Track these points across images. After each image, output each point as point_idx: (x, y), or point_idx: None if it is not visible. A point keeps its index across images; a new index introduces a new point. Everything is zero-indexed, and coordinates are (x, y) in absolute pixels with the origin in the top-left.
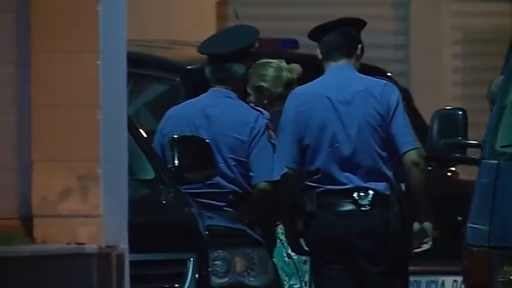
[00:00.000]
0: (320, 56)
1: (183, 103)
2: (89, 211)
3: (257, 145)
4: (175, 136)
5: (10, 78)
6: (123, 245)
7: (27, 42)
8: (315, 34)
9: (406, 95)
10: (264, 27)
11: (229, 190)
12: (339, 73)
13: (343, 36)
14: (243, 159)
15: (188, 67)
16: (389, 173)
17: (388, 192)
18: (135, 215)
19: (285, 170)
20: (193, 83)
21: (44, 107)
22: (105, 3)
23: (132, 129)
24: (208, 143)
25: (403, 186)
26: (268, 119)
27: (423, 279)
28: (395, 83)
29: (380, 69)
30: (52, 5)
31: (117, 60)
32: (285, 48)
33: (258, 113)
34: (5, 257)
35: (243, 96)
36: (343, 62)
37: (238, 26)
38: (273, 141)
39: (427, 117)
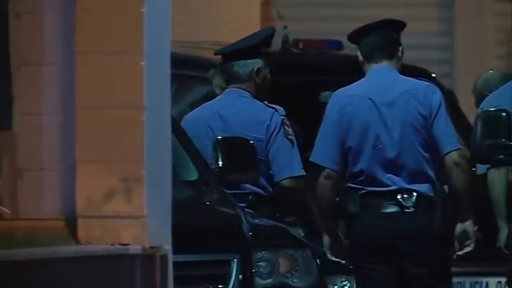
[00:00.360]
0: (361, 58)
1: (199, 107)
2: (133, 212)
3: (275, 143)
4: (219, 137)
5: (55, 80)
6: (167, 246)
7: (72, 44)
8: (355, 37)
9: (451, 96)
10: (308, 28)
11: (249, 191)
12: (381, 75)
13: (383, 38)
14: (262, 158)
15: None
16: (432, 174)
17: (431, 194)
18: (178, 216)
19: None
20: None
21: (88, 108)
22: (150, 5)
23: (176, 131)
24: (252, 144)
25: (445, 188)
26: (283, 115)
27: (467, 281)
28: (440, 84)
29: (424, 71)
30: (97, 6)
31: (161, 62)
32: (329, 49)
33: (273, 110)
34: (50, 258)
35: (257, 94)
36: (384, 63)
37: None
38: (290, 137)
39: (471, 119)
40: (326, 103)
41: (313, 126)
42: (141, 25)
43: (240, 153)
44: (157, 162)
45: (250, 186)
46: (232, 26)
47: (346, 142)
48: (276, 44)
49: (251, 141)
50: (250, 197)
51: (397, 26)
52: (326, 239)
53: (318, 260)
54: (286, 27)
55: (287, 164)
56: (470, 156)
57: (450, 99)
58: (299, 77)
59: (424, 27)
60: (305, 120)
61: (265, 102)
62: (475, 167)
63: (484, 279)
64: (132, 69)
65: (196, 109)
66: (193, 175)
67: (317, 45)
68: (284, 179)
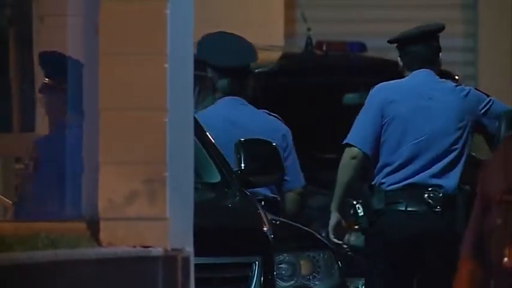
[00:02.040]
0: (401, 64)
1: (201, 111)
2: (156, 214)
3: (292, 153)
4: (242, 139)
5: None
6: (189, 248)
7: (95, 45)
8: (397, 44)
9: None
10: (331, 30)
11: (262, 196)
12: (423, 76)
13: (425, 49)
14: None
15: (256, 70)
16: (460, 173)
17: (456, 193)
18: (201, 218)
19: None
20: (261, 87)
21: (111, 110)
22: (173, 6)
23: (199, 133)
24: (275, 146)
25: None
26: None
27: None
28: None
29: (448, 72)
30: (120, 7)
31: (184, 63)
32: (352, 52)
33: (277, 119)
34: (71, 260)
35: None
36: (425, 70)
37: (228, 36)
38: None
39: None
40: (349, 105)
41: (336, 128)
42: (165, 27)
43: (263, 155)
44: (179, 164)
45: (263, 190)
46: (256, 28)
47: (385, 132)
48: (300, 46)
49: (274, 143)
50: (262, 203)
51: (438, 31)
52: (333, 219)
53: (339, 263)
54: (309, 29)
55: (300, 174)
56: None
57: None
58: (322, 79)
59: (447, 29)
60: (328, 122)
61: (264, 110)
62: None
63: None
64: (155, 70)
65: (197, 114)
66: (215, 177)
67: (340, 47)
68: (299, 187)
